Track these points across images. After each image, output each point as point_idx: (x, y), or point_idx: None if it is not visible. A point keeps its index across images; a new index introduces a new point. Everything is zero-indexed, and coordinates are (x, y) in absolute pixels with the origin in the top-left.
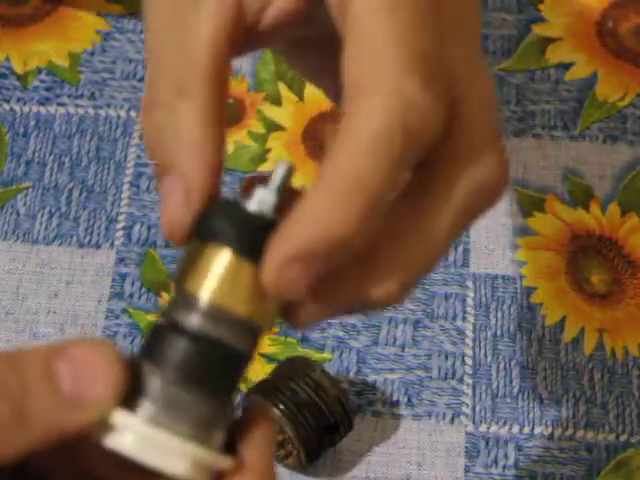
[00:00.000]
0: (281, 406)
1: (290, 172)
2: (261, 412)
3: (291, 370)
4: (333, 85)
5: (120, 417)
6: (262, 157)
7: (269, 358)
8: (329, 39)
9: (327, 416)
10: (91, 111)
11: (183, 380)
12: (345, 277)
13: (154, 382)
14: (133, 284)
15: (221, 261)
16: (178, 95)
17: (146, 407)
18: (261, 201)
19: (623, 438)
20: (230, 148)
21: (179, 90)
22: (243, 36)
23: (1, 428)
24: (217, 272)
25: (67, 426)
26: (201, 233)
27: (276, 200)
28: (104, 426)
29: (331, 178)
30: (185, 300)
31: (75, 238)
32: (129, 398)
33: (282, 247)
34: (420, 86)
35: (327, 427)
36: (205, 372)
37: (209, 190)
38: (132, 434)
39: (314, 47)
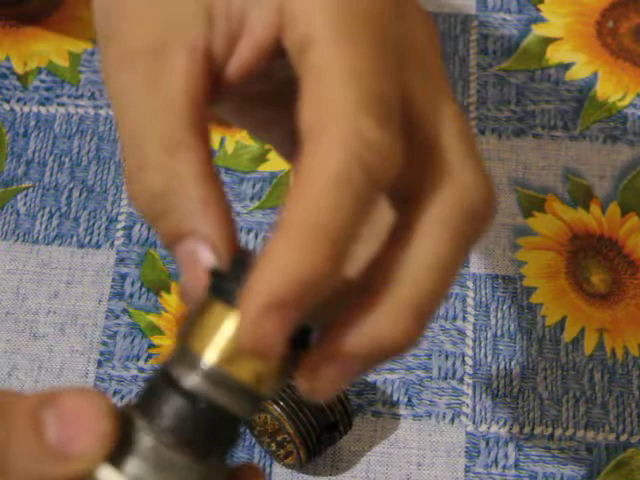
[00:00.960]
0: (281, 403)
1: None
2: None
3: None
4: (283, 139)
5: (106, 473)
6: (262, 157)
7: None
8: (281, 91)
9: (327, 414)
10: (91, 111)
11: (176, 441)
12: (355, 327)
13: (145, 440)
14: (133, 284)
15: (229, 324)
16: (170, 155)
17: (134, 465)
18: None
19: (623, 438)
20: (230, 148)
21: (169, 149)
22: (213, 86)
23: None
24: (224, 335)
25: (50, 478)
26: (213, 289)
27: None
28: None
29: (292, 222)
30: (187, 358)
31: (75, 238)
32: (118, 453)
33: (252, 300)
34: (377, 124)
35: (327, 425)
36: (200, 435)
37: (234, 244)
38: None
39: (265, 101)
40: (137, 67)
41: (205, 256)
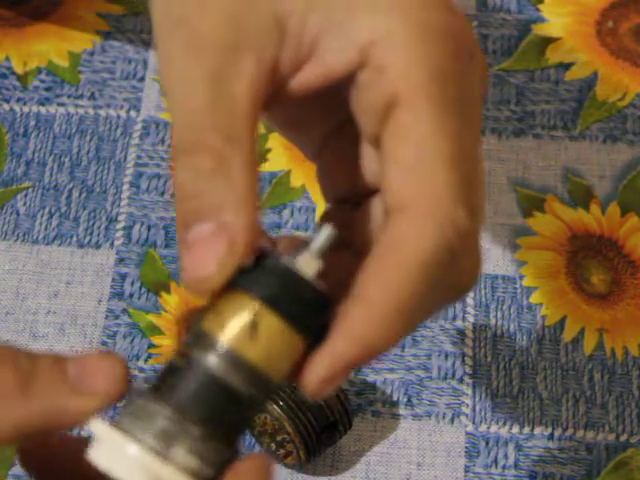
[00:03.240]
0: (281, 403)
1: (333, 237)
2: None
3: None
4: (312, 141)
5: (100, 429)
6: (262, 157)
7: None
8: (319, 97)
9: (327, 414)
10: (91, 111)
11: (190, 417)
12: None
13: (158, 409)
14: (133, 284)
15: (249, 311)
16: (228, 142)
17: (144, 435)
18: (303, 263)
19: (623, 438)
20: None
21: (229, 138)
22: (271, 96)
23: (3, 394)
24: (242, 320)
25: (66, 412)
26: (234, 280)
27: (318, 265)
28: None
29: (377, 299)
30: (205, 340)
31: (75, 238)
32: (131, 422)
33: (325, 365)
34: (469, 216)
35: (327, 425)
36: (213, 413)
37: (253, 244)
38: (108, 448)
39: (301, 104)
40: (206, 58)
41: (220, 243)
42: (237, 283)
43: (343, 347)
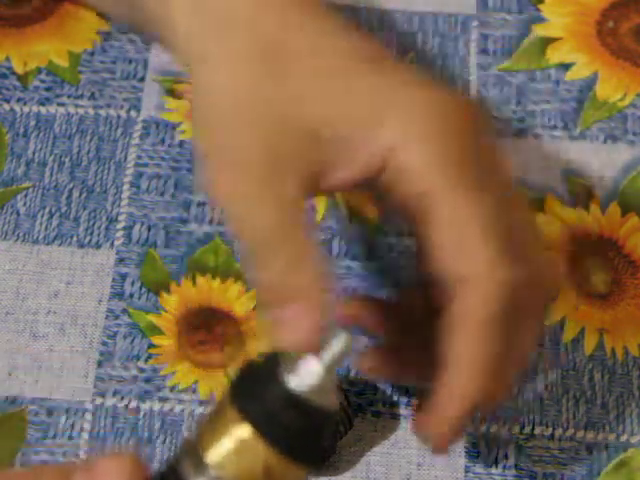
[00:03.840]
0: None
1: (348, 348)
2: None
3: None
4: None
5: None
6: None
7: None
8: None
9: None
10: (91, 111)
11: None
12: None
13: None
14: (133, 284)
15: (239, 435)
16: (294, 267)
17: None
18: (306, 377)
19: (623, 438)
20: None
21: (292, 264)
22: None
23: None
24: (231, 445)
25: None
26: (234, 395)
27: (324, 379)
28: None
29: (466, 363)
30: (195, 459)
31: (75, 238)
32: None
33: (446, 424)
34: (511, 267)
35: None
36: None
37: (329, 315)
38: None
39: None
40: (253, 184)
41: (310, 315)
42: (238, 400)
43: (450, 410)
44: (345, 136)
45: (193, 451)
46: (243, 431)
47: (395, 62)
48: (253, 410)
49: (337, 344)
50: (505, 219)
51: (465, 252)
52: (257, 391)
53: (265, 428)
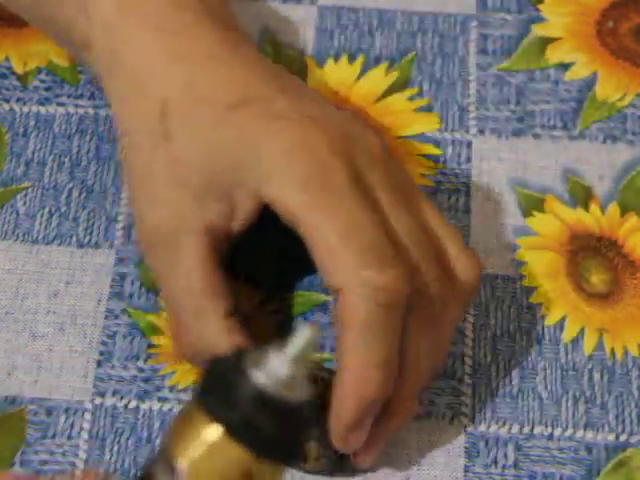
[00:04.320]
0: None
1: (313, 341)
2: None
3: None
4: None
5: None
6: None
7: None
8: None
9: None
10: (91, 111)
11: None
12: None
13: None
14: (133, 284)
15: (209, 437)
16: (199, 318)
17: None
18: (273, 371)
19: (623, 438)
20: None
21: (198, 315)
22: (221, 245)
23: None
24: (202, 446)
25: None
26: (200, 396)
27: (290, 373)
28: None
29: (349, 367)
30: (166, 464)
31: (75, 238)
32: None
33: (341, 423)
34: (377, 271)
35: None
36: None
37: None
38: None
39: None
40: (159, 252)
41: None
42: (205, 401)
43: (343, 409)
44: (224, 189)
45: (164, 456)
46: (213, 433)
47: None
48: (221, 410)
49: (301, 336)
50: (374, 227)
51: (331, 264)
52: (224, 390)
53: (235, 428)
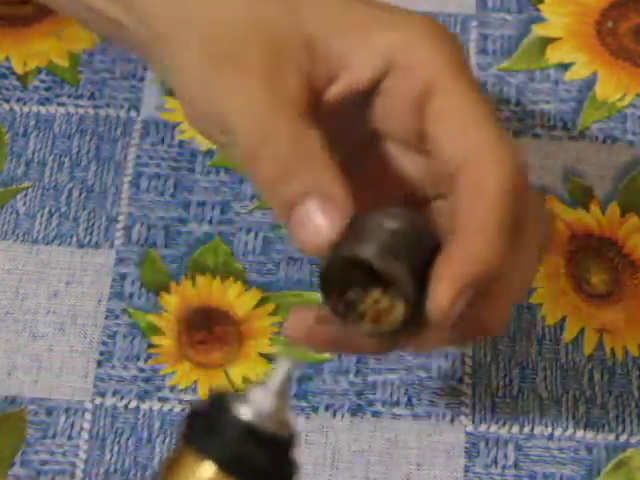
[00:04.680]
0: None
1: (293, 373)
2: None
3: None
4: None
5: None
6: None
7: (269, 358)
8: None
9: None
10: (91, 111)
11: None
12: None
13: None
14: (133, 284)
15: (203, 474)
16: (300, 128)
17: None
18: (257, 407)
19: (623, 438)
20: None
21: (298, 125)
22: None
23: None
24: None
25: None
26: (188, 436)
27: (276, 405)
28: None
29: (483, 226)
30: None
31: (75, 238)
32: None
33: (450, 287)
34: (513, 153)
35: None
36: None
37: (351, 205)
38: None
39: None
40: (255, 81)
41: (330, 210)
42: (194, 440)
43: (463, 267)
44: (346, 43)
45: None
46: (206, 471)
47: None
48: (211, 447)
49: (281, 369)
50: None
51: (476, 132)
52: (211, 427)
53: (228, 463)
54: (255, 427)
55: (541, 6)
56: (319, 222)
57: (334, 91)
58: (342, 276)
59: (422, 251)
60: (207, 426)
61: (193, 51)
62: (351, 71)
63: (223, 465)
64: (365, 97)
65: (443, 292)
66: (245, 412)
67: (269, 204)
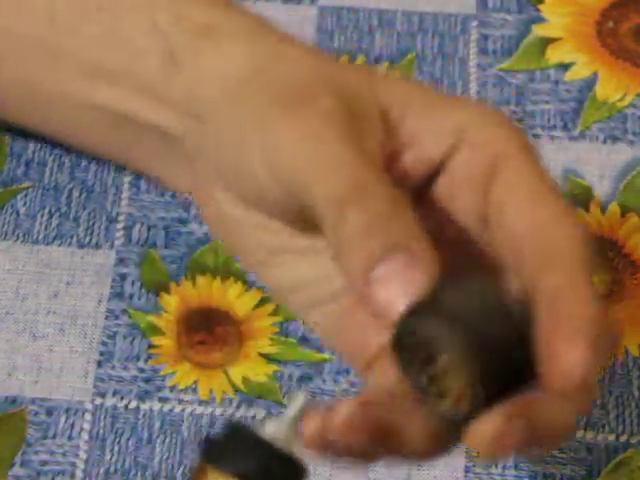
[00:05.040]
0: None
1: (305, 407)
2: None
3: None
4: None
5: None
6: None
7: (269, 359)
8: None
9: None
10: None
11: None
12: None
13: None
14: (133, 284)
15: None
16: (393, 188)
17: None
18: (274, 432)
19: (623, 438)
20: None
21: (390, 184)
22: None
23: None
24: None
25: None
26: (211, 457)
27: (289, 434)
28: None
29: (576, 288)
30: None
31: (75, 238)
32: None
33: (583, 337)
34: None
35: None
36: None
37: (437, 267)
38: None
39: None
40: (334, 128)
41: (418, 271)
42: (213, 460)
43: (583, 325)
44: (418, 120)
45: None
46: None
47: None
48: (233, 463)
49: (294, 405)
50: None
51: (540, 205)
52: (232, 445)
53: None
54: (275, 446)
55: (541, 6)
56: (407, 279)
57: (402, 165)
58: (420, 345)
59: (508, 326)
60: (228, 444)
61: (253, 104)
62: (421, 147)
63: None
64: (429, 177)
65: (573, 349)
66: (264, 434)
67: (346, 263)
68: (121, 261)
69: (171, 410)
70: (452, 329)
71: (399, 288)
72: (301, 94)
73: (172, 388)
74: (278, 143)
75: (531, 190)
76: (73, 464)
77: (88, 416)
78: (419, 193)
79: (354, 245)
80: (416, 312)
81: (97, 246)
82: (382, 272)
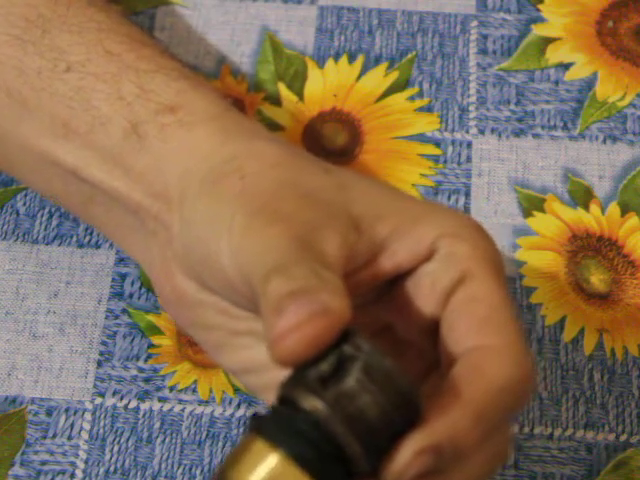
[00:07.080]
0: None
1: None
2: None
3: None
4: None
5: None
6: None
7: None
8: None
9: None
10: None
11: None
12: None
13: None
14: (133, 284)
15: (269, 463)
16: (321, 271)
17: None
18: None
19: (623, 438)
20: None
21: (319, 271)
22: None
23: None
24: (263, 471)
25: None
26: (257, 428)
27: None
28: None
29: (469, 404)
30: None
31: (75, 238)
32: None
33: (419, 441)
34: (530, 360)
35: None
36: None
37: (346, 323)
38: None
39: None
40: (292, 230)
41: (319, 321)
42: (263, 430)
43: (438, 429)
44: (392, 228)
45: None
46: (274, 459)
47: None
48: (284, 437)
49: None
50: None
51: (496, 325)
52: (281, 419)
53: (299, 455)
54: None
55: (541, 6)
56: (310, 327)
57: (372, 271)
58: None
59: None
60: (276, 418)
61: (230, 204)
62: (393, 256)
63: (292, 456)
64: (397, 276)
65: (404, 451)
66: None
67: (261, 309)
68: (121, 261)
69: (171, 410)
70: (333, 413)
71: (300, 335)
72: (266, 203)
73: (172, 388)
74: (243, 245)
75: (485, 317)
76: (73, 464)
77: (88, 416)
78: (383, 286)
79: (262, 290)
80: (296, 383)
81: (97, 246)
82: (288, 315)
